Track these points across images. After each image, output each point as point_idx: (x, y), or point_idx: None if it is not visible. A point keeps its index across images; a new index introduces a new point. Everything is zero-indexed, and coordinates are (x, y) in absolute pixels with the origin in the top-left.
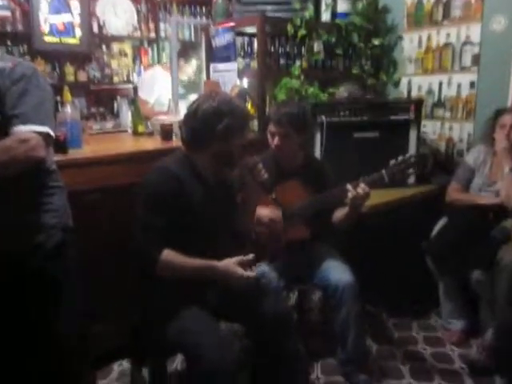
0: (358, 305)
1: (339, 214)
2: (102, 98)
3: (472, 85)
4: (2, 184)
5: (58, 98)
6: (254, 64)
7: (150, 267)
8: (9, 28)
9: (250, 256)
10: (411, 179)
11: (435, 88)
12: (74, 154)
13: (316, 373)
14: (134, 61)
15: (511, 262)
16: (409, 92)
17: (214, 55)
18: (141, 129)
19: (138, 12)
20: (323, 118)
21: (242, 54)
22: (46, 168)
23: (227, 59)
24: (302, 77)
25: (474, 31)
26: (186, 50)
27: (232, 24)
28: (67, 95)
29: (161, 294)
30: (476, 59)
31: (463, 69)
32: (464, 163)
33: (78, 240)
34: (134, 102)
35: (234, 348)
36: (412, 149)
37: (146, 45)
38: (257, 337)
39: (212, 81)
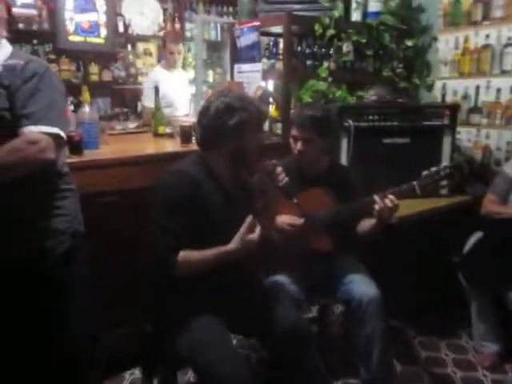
0: (384, 321)
1: (365, 224)
2: (126, 98)
3: None
4: (11, 187)
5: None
6: (279, 65)
7: (167, 271)
8: (35, 27)
9: (249, 219)
10: (444, 189)
11: (472, 92)
12: (89, 155)
13: None
14: (159, 60)
15: None
16: (443, 96)
17: (239, 55)
18: (161, 130)
19: (164, 11)
20: (350, 122)
21: (267, 54)
22: (58, 170)
23: (252, 60)
24: (330, 79)
25: None
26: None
27: (257, 23)
28: (86, 95)
29: (173, 303)
30: None
31: (504, 72)
32: (502, 173)
33: (91, 244)
34: (155, 102)
35: (249, 363)
36: (446, 156)
37: None
38: (274, 352)
39: (235, 81)
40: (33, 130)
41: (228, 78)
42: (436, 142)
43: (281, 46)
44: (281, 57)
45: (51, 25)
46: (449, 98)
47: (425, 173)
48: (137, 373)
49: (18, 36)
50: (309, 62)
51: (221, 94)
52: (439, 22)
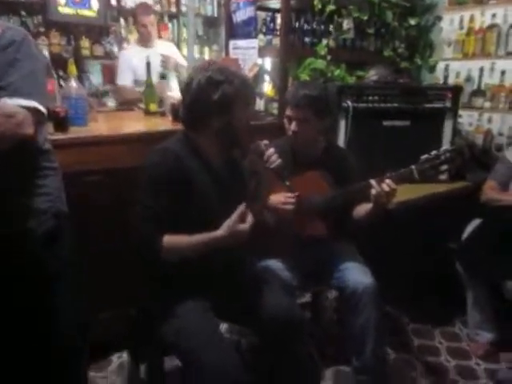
0: (379, 310)
1: (361, 209)
2: None
3: None
4: None
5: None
6: (277, 41)
7: (151, 255)
8: None
9: (241, 207)
10: (443, 174)
11: (475, 74)
12: (75, 131)
13: (327, 380)
14: None
15: None
16: (445, 78)
17: (235, 31)
18: (153, 108)
19: None
20: (349, 103)
21: (264, 30)
22: (38, 147)
23: (248, 35)
24: (329, 57)
25: None
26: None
27: None
28: (72, 68)
29: (158, 288)
30: None
31: (509, 54)
32: (504, 159)
33: (77, 225)
34: (147, 79)
35: (240, 349)
36: (447, 140)
37: (166, 19)
38: (264, 339)
39: (230, 58)
40: (9, 103)
41: (223, 54)
42: (437, 125)
43: (278, 21)
44: (278, 33)
45: None
46: (451, 80)
47: (424, 157)
48: (124, 356)
49: (6, 7)
50: (307, 39)
51: (202, 68)
52: (444, 0)
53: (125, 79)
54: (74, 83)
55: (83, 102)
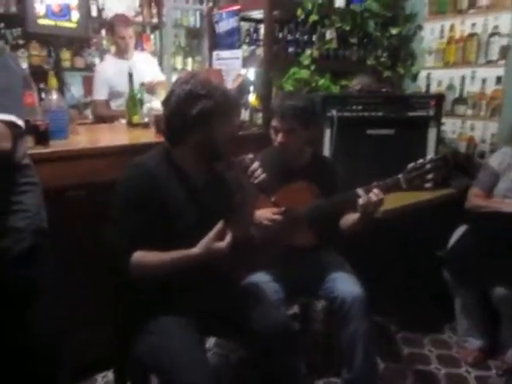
0: (368, 321)
1: (348, 219)
2: None
3: (498, 80)
4: None
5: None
6: (260, 52)
7: (122, 273)
8: (1, 9)
9: (220, 225)
10: (428, 182)
11: (457, 83)
12: (56, 145)
13: None
14: (135, 47)
15: None
16: (427, 86)
17: (218, 42)
18: (136, 119)
19: None
20: (334, 112)
21: (248, 40)
22: (16, 162)
23: (231, 46)
24: (313, 67)
25: (503, 21)
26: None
27: (237, 7)
28: (52, 81)
29: (134, 305)
30: (504, 52)
31: (489, 62)
32: (487, 166)
33: (58, 242)
34: (129, 90)
35: (228, 363)
36: (431, 148)
37: (148, 31)
38: (253, 353)
39: (213, 69)
40: None
41: (206, 65)
42: (421, 133)
43: (262, 31)
44: (262, 43)
45: (19, 7)
46: (433, 89)
47: (410, 166)
48: (110, 375)
49: None
50: (291, 49)
51: (183, 80)
52: (425, 10)
53: (100, 94)
54: (54, 96)
55: (64, 115)
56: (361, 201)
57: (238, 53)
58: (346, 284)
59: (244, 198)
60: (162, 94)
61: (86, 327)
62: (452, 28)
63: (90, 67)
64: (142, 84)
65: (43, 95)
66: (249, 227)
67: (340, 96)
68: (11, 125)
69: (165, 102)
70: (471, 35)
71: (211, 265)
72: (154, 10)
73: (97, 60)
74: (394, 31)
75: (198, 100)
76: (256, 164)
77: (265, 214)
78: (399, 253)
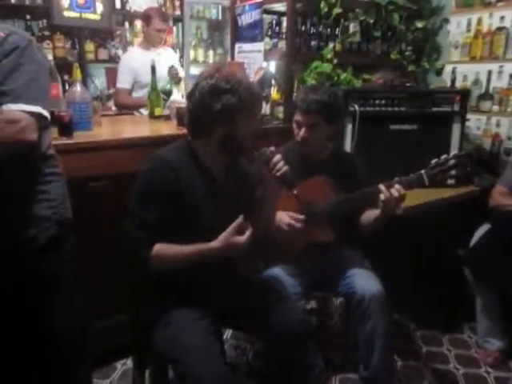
0: (386, 318)
1: (369, 215)
2: None
3: None
4: None
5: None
6: (282, 45)
7: (139, 265)
8: (28, 1)
9: (240, 219)
10: (452, 180)
11: (483, 78)
12: (79, 136)
13: None
14: None
15: None
16: (452, 81)
17: (240, 34)
18: (158, 112)
19: None
20: (356, 107)
21: (270, 33)
22: (41, 153)
23: (253, 39)
24: (335, 60)
25: None
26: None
27: (260, 0)
28: (76, 73)
29: (152, 296)
30: None
31: None
32: None
33: (81, 232)
34: (151, 82)
35: (245, 355)
36: (455, 144)
37: (171, 23)
38: (270, 347)
39: (236, 62)
40: (12, 109)
41: (228, 58)
42: (445, 129)
43: (284, 24)
44: (284, 36)
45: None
46: (458, 84)
47: (433, 162)
48: (129, 363)
49: (11, 11)
50: (313, 43)
51: (208, 75)
52: (451, 3)
53: (124, 82)
54: (78, 88)
55: (88, 107)
56: (382, 196)
57: (260, 46)
58: (365, 280)
59: (266, 191)
60: (182, 88)
61: (106, 316)
62: (479, 21)
63: (113, 59)
64: (172, 66)
65: (67, 87)
66: (270, 221)
67: (362, 90)
68: (38, 116)
69: (189, 96)
70: (499, 29)
71: (229, 258)
72: (177, 2)
73: (120, 52)
74: (419, 24)
75: (222, 94)
76: (278, 156)
77: (283, 218)
78: (420, 250)
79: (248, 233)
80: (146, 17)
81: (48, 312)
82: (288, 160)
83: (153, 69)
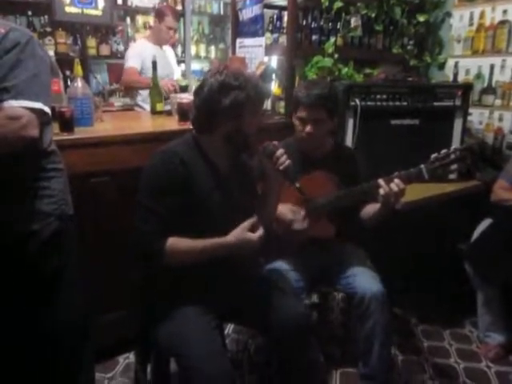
0: (386, 317)
1: (369, 210)
2: None
3: None
4: None
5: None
6: (283, 39)
7: (154, 259)
8: None
9: (254, 218)
10: (453, 173)
11: (485, 72)
12: (81, 132)
13: (335, 382)
14: None
15: None
16: (455, 75)
17: (241, 29)
18: (159, 107)
19: None
20: (357, 101)
21: (271, 28)
22: (43, 149)
23: (254, 34)
24: (336, 55)
25: None
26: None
27: None
28: (78, 69)
29: (157, 290)
30: None
31: None
32: None
33: (82, 226)
34: (153, 77)
35: (247, 349)
36: (456, 139)
37: None
38: (271, 341)
39: (237, 57)
40: (13, 105)
41: (230, 53)
42: (447, 123)
43: (285, 19)
44: (285, 31)
45: None
46: (461, 78)
47: (433, 156)
48: (131, 357)
49: (13, 7)
50: (314, 37)
51: (216, 71)
52: None
53: (133, 62)
54: (79, 83)
55: (89, 103)
56: (382, 191)
57: (261, 40)
58: (365, 280)
59: (268, 185)
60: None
61: (108, 310)
62: (482, 15)
63: (115, 55)
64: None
65: (69, 82)
66: (273, 214)
67: (364, 85)
68: (39, 112)
69: (197, 91)
70: (502, 22)
71: (236, 255)
72: None
73: (122, 47)
74: (421, 18)
75: (230, 91)
76: (281, 150)
77: (286, 213)
78: (422, 245)
79: (260, 231)
80: (160, 13)
81: (50, 307)
82: (288, 155)
83: (154, 64)
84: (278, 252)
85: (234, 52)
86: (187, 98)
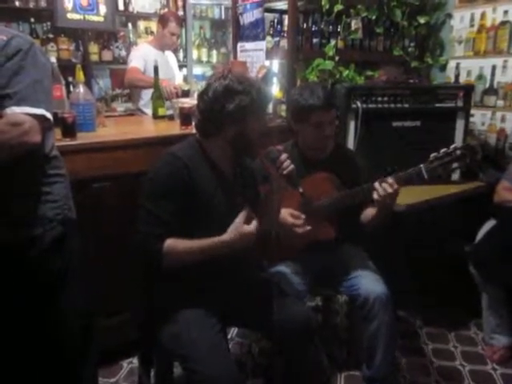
0: (390, 319)
1: (368, 212)
2: None
3: None
4: None
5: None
6: (284, 43)
7: (153, 260)
8: (32, 4)
9: (246, 210)
10: (456, 174)
11: (487, 73)
12: (83, 137)
13: None
14: None
15: None
16: (456, 77)
17: (242, 33)
18: (161, 112)
19: None
20: (359, 103)
21: (272, 32)
22: (45, 154)
23: (255, 38)
24: (337, 58)
25: None
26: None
27: None
28: (80, 74)
29: (161, 292)
30: None
31: None
32: None
33: (85, 231)
34: (154, 82)
35: (251, 353)
36: (459, 141)
37: None
38: (275, 344)
39: (238, 61)
40: (16, 111)
41: (231, 57)
42: (448, 125)
43: (286, 23)
44: (286, 34)
45: (49, 2)
46: (462, 79)
47: (433, 155)
48: (135, 361)
49: (15, 14)
50: (315, 40)
51: (220, 75)
52: None
53: (137, 63)
54: (82, 89)
55: (91, 108)
56: (376, 193)
57: (262, 44)
58: (369, 281)
59: (271, 189)
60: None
61: (111, 315)
62: (483, 16)
63: (117, 60)
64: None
65: (71, 88)
66: (275, 218)
67: (365, 87)
68: (41, 118)
69: (201, 95)
70: (503, 23)
71: (237, 256)
72: (180, 3)
73: (124, 53)
74: (421, 20)
75: (235, 95)
76: (285, 155)
77: (288, 219)
78: (426, 246)
79: (255, 222)
80: (164, 19)
81: (52, 312)
82: (290, 159)
83: (156, 69)
84: (279, 256)
85: (235, 56)
86: (189, 102)
